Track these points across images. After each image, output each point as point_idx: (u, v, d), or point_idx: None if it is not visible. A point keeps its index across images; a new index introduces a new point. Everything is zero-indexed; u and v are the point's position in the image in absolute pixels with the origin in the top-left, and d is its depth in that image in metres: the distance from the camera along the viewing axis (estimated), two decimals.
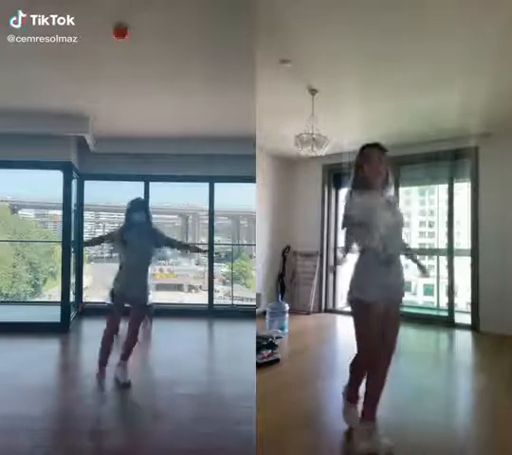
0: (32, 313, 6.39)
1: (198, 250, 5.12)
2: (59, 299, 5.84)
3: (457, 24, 3.13)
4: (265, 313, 5.72)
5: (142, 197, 4.39)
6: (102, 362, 3.96)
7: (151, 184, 6.84)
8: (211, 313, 6.69)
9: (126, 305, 3.96)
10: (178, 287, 7.79)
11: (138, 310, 3.97)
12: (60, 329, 5.57)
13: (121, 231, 3.90)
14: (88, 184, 6.76)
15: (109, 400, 3.56)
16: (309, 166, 6.88)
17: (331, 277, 7.12)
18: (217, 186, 6.94)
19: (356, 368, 2.78)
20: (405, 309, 5.96)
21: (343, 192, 7.19)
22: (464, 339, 5.57)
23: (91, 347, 5.23)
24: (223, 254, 7.66)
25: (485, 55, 3.54)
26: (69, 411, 3.37)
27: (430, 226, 6.75)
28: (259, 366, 3.97)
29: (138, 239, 3.83)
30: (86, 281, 7.14)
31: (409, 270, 3.03)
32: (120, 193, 7.40)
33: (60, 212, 6.04)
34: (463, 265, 6.12)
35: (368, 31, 3.29)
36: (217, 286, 7.27)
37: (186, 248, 4.86)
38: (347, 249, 2.68)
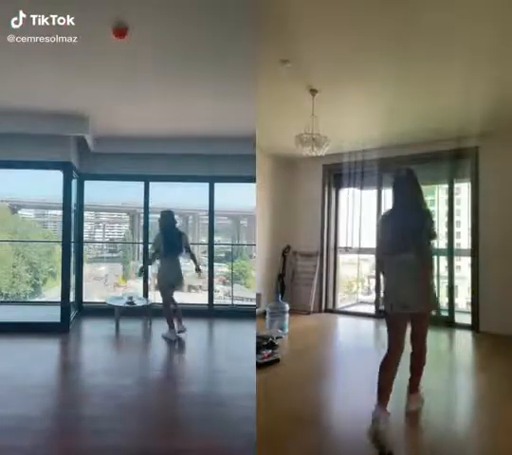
0: (32, 313, 6.39)
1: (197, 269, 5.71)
2: (59, 299, 5.84)
3: (457, 24, 3.13)
4: (265, 313, 5.72)
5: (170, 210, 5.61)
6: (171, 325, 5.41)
7: (151, 184, 6.84)
8: (211, 313, 6.69)
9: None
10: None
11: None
12: (60, 329, 5.57)
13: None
14: (88, 184, 6.76)
15: (114, 398, 3.55)
16: (309, 166, 6.87)
17: (331, 277, 7.12)
18: (217, 186, 6.94)
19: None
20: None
21: (344, 192, 7.23)
22: (464, 339, 5.57)
23: (91, 347, 5.26)
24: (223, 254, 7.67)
25: (485, 55, 3.53)
26: (69, 411, 3.37)
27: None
28: (259, 366, 3.97)
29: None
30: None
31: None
32: (120, 193, 7.42)
33: (60, 212, 6.04)
34: (463, 265, 6.12)
35: (368, 32, 3.28)
36: (217, 286, 7.27)
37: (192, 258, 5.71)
38: None
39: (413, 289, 2.71)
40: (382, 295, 2.86)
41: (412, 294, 2.71)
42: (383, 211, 6.54)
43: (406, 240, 2.73)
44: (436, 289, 3.11)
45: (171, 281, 5.45)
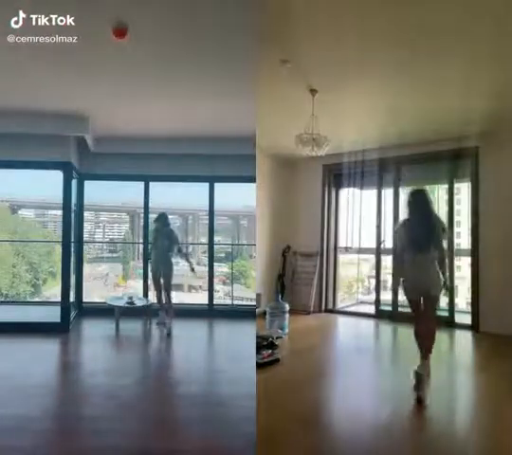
0: (32, 313, 6.39)
1: (192, 269, 6.02)
2: (59, 299, 5.84)
3: (457, 24, 3.13)
4: (265, 313, 5.72)
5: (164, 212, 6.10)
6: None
7: (151, 184, 6.84)
8: (211, 313, 6.69)
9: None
10: (178, 287, 7.79)
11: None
12: (60, 329, 5.57)
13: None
14: (88, 184, 6.76)
15: (114, 398, 3.55)
16: (309, 166, 6.87)
17: (331, 277, 7.12)
18: (217, 186, 6.94)
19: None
20: (405, 309, 6.02)
21: (343, 192, 7.24)
22: (464, 339, 5.57)
23: (91, 347, 5.26)
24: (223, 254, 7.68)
25: (485, 55, 3.54)
26: (69, 411, 3.37)
27: None
28: (259, 366, 3.97)
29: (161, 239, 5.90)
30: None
31: None
32: (120, 193, 7.42)
33: (60, 212, 6.04)
34: (463, 265, 6.12)
35: (368, 32, 3.28)
36: (217, 286, 7.26)
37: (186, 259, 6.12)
38: None
39: (426, 279, 3.50)
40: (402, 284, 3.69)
41: (424, 282, 3.51)
42: (382, 212, 6.66)
43: (421, 243, 3.51)
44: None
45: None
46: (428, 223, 3.57)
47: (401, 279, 3.67)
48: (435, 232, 3.55)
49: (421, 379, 3.25)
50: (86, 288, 6.84)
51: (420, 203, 3.66)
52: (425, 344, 3.48)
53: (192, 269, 5.98)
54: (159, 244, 5.91)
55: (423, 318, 3.57)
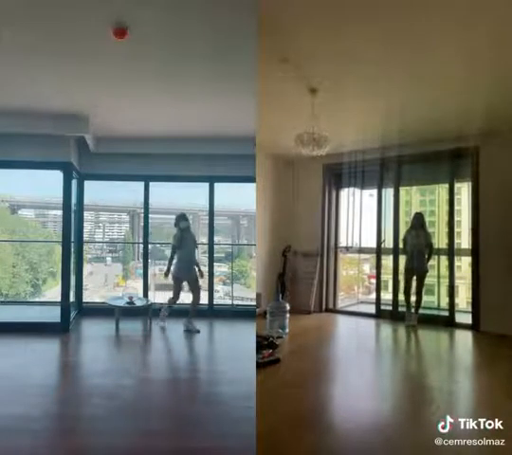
0: (32, 313, 6.39)
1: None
2: (59, 299, 5.84)
3: (457, 23, 3.13)
4: (265, 313, 5.72)
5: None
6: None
7: (151, 184, 6.84)
8: (211, 313, 6.69)
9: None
10: None
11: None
12: (60, 329, 5.57)
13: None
14: (88, 184, 6.76)
15: (114, 398, 3.55)
16: (309, 166, 6.86)
17: (331, 277, 7.12)
18: (217, 186, 6.94)
19: None
20: (405, 309, 6.04)
21: (344, 192, 7.24)
22: (464, 339, 5.58)
23: (91, 347, 5.26)
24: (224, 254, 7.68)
25: (486, 54, 3.53)
26: (69, 411, 3.37)
27: (431, 226, 6.75)
28: (259, 366, 3.96)
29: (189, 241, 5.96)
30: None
31: None
32: (120, 193, 7.42)
33: (60, 212, 6.04)
34: (463, 265, 6.11)
35: (368, 31, 3.28)
36: (217, 286, 7.26)
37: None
38: None
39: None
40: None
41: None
42: (382, 212, 6.81)
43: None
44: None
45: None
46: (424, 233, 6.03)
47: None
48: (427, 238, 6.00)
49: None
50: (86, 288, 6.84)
51: (421, 222, 6.10)
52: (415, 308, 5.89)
53: (202, 275, 6.05)
54: (189, 245, 5.93)
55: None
